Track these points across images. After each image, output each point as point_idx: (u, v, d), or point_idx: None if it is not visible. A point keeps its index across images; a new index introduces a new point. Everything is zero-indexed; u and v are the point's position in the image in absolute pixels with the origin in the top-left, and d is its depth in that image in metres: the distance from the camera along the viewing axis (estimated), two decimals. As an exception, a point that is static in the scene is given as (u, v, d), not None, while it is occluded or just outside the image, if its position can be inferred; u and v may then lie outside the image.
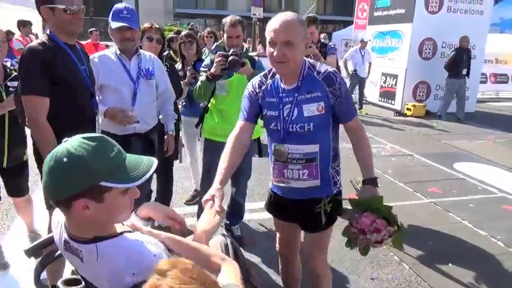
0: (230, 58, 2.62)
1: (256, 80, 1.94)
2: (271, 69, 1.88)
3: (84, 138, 1.08)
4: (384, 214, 1.68)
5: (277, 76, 1.87)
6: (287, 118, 1.81)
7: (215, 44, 3.17)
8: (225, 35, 2.88)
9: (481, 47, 9.53)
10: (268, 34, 1.73)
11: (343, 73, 9.00)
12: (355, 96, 9.34)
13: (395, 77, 9.66)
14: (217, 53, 2.72)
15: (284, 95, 1.83)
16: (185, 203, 4.07)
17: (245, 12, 25.36)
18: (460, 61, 8.45)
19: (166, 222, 1.41)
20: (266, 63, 2.07)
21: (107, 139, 1.13)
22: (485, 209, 4.19)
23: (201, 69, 2.96)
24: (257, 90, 1.90)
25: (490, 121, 8.81)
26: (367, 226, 1.63)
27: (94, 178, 1.05)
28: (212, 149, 2.90)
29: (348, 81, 9.33)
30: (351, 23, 15.77)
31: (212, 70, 2.69)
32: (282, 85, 1.85)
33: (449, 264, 3.13)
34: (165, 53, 3.60)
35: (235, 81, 2.84)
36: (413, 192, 4.56)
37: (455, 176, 5.18)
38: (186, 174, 4.75)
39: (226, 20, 2.87)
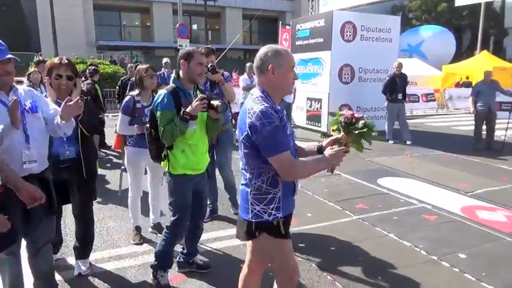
0: (218, 103, 2.71)
1: (266, 108, 1.88)
2: (267, 97, 1.96)
3: None
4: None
5: (267, 100, 1.96)
6: (290, 134, 2.07)
7: (172, 75, 3.01)
8: (193, 63, 2.81)
9: (392, 70, 10.45)
10: (290, 62, 1.99)
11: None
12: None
13: (319, 101, 10.18)
14: (200, 96, 2.76)
15: (281, 115, 1.97)
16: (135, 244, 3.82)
17: (172, 44, 25.49)
18: (394, 86, 8.86)
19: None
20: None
21: None
22: (407, 221, 4.45)
23: (159, 109, 2.78)
24: (279, 116, 1.94)
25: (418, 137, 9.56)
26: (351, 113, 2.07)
27: None
28: (186, 183, 2.92)
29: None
30: (276, 52, 16.44)
31: (190, 110, 2.67)
32: (276, 106, 1.99)
33: (379, 277, 3.24)
34: (86, 86, 3.45)
35: (199, 115, 2.84)
36: (342, 210, 4.72)
37: (380, 191, 5.48)
38: (110, 213, 4.49)
39: (194, 49, 2.89)
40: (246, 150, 1.97)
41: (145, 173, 3.91)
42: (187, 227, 3.10)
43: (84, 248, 3.19)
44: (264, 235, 2.04)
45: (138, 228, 3.86)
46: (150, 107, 3.04)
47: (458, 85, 19.28)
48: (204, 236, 3.92)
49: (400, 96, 8.88)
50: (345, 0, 10.82)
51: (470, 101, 8.61)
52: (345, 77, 9.92)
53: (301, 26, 10.78)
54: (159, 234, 3.91)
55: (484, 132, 8.54)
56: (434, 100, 16.98)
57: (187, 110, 2.67)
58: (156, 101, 2.82)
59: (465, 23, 42.00)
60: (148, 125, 2.96)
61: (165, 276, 3.01)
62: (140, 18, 32.79)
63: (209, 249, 3.71)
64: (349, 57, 9.81)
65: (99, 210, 4.52)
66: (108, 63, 17.71)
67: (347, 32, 9.76)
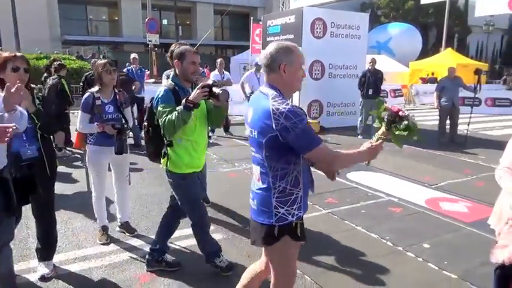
0: (220, 91, 2.63)
1: (293, 107, 1.85)
2: (280, 95, 1.91)
3: None
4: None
5: (284, 98, 1.93)
6: None
7: (171, 73, 2.97)
8: (186, 62, 2.83)
9: (361, 66, 10.63)
10: (300, 58, 1.97)
11: (242, 96, 9.28)
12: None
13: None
14: (202, 83, 2.69)
15: None
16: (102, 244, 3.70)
17: (141, 39, 24.96)
18: (366, 81, 8.93)
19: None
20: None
21: None
22: (375, 213, 4.57)
23: (160, 103, 2.74)
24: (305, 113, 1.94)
25: (375, 132, 9.78)
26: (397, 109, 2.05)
27: None
28: (195, 181, 2.92)
29: (246, 103, 9.61)
30: (248, 47, 16.46)
31: (192, 98, 2.61)
32: None
33: (347, 269, 3.31)
34: (52, 81, 3.33)
35: (199, 110, 2.80)
36: (312, 205, 4.78)
37: (349, 185, 5.59)
38: (76, 213, 4.37)
39: (186, 48, 2.85)
40: (268, 152, 1.91)
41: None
42: (170, 220, 3.16)
43: (46, 249, 3.08)
44: (286, 238, 2.00)
45: (104, 228, 3.77)
46: (148, 105, 3.01)
47: (424, 81, 19.91)
48: (175, 233, 3.89)
49: (371, 91, 8.94)
50: (314, -3, 10.92)
51: (434, 96, 8.92)
52: (315, 73, 10.03)
53: (272, 22, 10.80)
54: (127, 234, 3.84)
55: (448, 127, 8.87)
56: (402, 96, 17.50)
57: (189, 97, 2.63)
58: (156, 96, 2.79)
59: (431, 21, 43.36)
60: (145, 123, 2.93)
61: (222, 258, 3.14)
62: (108, 12, 31.88)
63: (178, 247, 3.67)
64: (320, 54, 9.92)
65: (64, 210, 4.39)
66: (74, 58, 17.14)
67: (317, 28, 9.86)
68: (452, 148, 8.13)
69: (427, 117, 13.07)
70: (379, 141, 2.06)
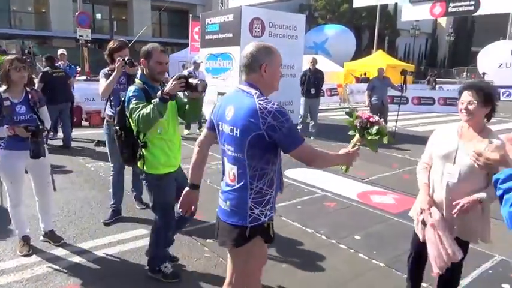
0: (198, 81, 2.59)
1: (279, 106, 1.88)
2: (258, 94, 1.91)
3: None
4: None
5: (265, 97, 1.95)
6: None
7: (138, 72, 2.90)
8: (152, 61, 2.77)
9: (299, 66, 10.88)
10: (279, 59, 1.99)
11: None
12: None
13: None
14: (177, 74, 2.65)
15: None
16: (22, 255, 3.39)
17: (71, 34, 23.49)
18: (306, 81, 9.08)
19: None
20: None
21: None
22: (310, 209, 4.71)
23: (132, 100, 2.67)
24: None
25: (313, 129, 10.09)
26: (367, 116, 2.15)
27: None
28: (171, 183, 2.90)
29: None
30: (187, 45, 16.18)
31: (168, 90, 2.56)
32: None
33: (283, 264, 3.37)
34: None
35: (170, 109, 2.73)
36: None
37: (286, 182, 5.67)
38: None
39: (153, 46, 2.79)
40: (250, 151, 1.87)
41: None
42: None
43: None
44: (257, 239, 1.97)
45: (25, 239, 3.45)
46: (118, 108, 2.90)
47: (358, 80, 20.95)
48: (105, 240, 3.72)
49: (313, 91, 9.06)
50: (253, -4, 11.00)
51: (366, 95, 9.42)
52: (254, 72, 10.09)
53: (210, 20, 10.70)
54: (52, 243, 3.57)
55: (378, 124, 9.39)
56: (337, 94, 18.26)
57: (166, 89, 2.57)
58: (126, 96, 2.73)
59: (364, 24, 45.77)
60: (117, 128, 2.83)
61: (167, 265, 3.05)
62: (33, 3, 29.59)
63: (111, 253, 3.50)
64: (258, 53, 9.99)
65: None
66: (-5, 53, 15.67)
67: (255, 28, 9.94)
68: (381, 144, 8.57)
69: (361, 115, 13.71)
70: (355, 147, 2.16)
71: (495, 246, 3.83)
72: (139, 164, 2.84)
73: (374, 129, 2.13)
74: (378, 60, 23.46)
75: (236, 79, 9.88)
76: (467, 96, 2.27)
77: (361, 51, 40.92)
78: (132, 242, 3.72)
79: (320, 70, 9.37)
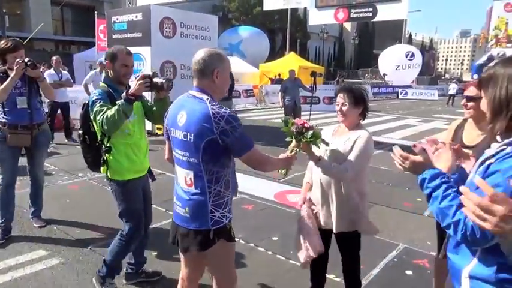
0: (160, 82, 2.55)
1: (231, 111, 1.95)
2: (210, 99, 1.95)
3: None
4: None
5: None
6: None
7: (102, 74, 2.74)
8: (117, 64, 2.68)
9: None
10: (229, 65, 2.07)
11: (87, 97, 8.44)
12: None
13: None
14: (141, 74, 2.57)
15: None
16: None
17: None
18: None
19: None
20: None
21: None
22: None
23: (97, 103, 2.55)
24: None
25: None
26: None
27: None
28: (137, 188, 2.82)
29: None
30: (94, 44, 15.11)
31: (133, 90, 2.49)
32: None
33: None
34: None
35: (136, 112, 2.69)
36: (165, 212, 4.60)
37: (203, 186, 5.57)
38: None
39: (118, 48, 2.71)
40: (205, 156, 1.91)
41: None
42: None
43: None
44: (221, 242, 2.01)
45: None
46: (81, 111, 2.75)
47: (272, 81, 21.54)
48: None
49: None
50: (163, -5, 10.64)
51: (279, 96, 9.70)
52: (167, 74, 9.75)
53: (117, 19, 10.08)
54: None
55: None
56: (253, 95, 18.56)
57: (131, 90, 2.50)
58: (90, 99, 2.62)
59: (277, 26, 47.36)
60: (80, 132, 2.76)
61: (113, 283, 2.91)
62: None
63: (1, 282, 3.04)
64: (170, 54, 9.70)
65: None
66: None
67: (166, 28, 9.61)
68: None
69: (275, 115, 14.14)
70: (293, 152, 2.29)
71: (398, 235, 4.16)
72: (102, 169, 2.76)
73: (309, 134, 2.25)
74: (290, 62, 24.38)
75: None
76: (340, 98, 2.44)
77: (275, 53, 42.30)
78: (28, 266, 3.29)
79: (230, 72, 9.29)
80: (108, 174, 2.74)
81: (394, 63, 34.23)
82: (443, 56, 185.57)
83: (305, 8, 44.66)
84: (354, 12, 7.56)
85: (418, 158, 1.45)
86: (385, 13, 7.25)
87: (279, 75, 22.22)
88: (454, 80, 33.45)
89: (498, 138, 1.30)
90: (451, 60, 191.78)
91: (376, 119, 14.60)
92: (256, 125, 12.32)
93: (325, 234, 2.52)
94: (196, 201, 1.96)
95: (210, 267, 2.17)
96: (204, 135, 1.87)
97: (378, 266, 3.49)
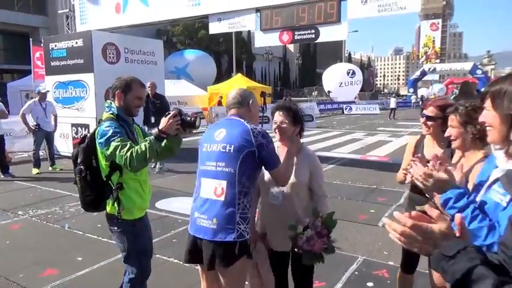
0: (193, 118, 2.47)
1: (264, 130, 2.19)
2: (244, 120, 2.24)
3: None
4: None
5: None
6: None
7: (112, 106, 2.55)
8: (131, 95, 2.54)
9: (161, 91, 10.66)
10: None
11: (25, 129, 7.91)
12: (44, 152, 8.43)
13: (86, 126, 9.35)
14: (173, 112, 2.45)
15: None
16: None
17: None
18: (147, 109, 7.99)
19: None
20: None
21: None
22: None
23: (116, 137, 2.37)
24: None
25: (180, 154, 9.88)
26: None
27: None
28: (145, 227, 2.73)
29: (31, 138, 8.28)
30: (31, 72, 14.30)
31: (165, 128, 2.39)
32: None
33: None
34: None
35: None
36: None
37: (158, 215, 5.35)
38: None
39: (133, 79, 2.59)
40: (242, 167, 2.07)
41: None
42: None
43: None
44: (243, 258, 2.07)
45: None
46: (83, 145, 2.51)
47: (220, 103, 21.59)
48: None
49: (152, 119, 7.69)
50: (104, 21, 10.37)
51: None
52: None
53: (55, 45, 9.68)
54: None
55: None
56: (203, 118, 18.44)
57: (161, 127, 2.40)
58: (101, 132, 2.39)
59: (222, 49, 47.97)
60: (82, 167, 2.47)
61: None
62: None
63: None
64: (115, 80, 9.41)
65: None
66: None
67: (110, 53, 9.37)
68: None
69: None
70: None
71: (357, 247, 4.24)
72: (109, 209, 2.53)
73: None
74: (239, 83, 24.62)
75: (93, 109, 9.10)
76: (278, 116, 2.42)
77: (222, 74, 42.69)
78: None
79: (161, 95, 8.27)
80: (121, 213, 2.50)
81: (337, 80, 35.89)
82: (380, 73, 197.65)
83: (249, 31, 45.88)
84: (298, 34, 7.84)
85: (443, 176, 1.39)
86: (327, 34, 7.59)
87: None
88: (393, 95, 35.64)
89: (498, 153, 1.26)
90: (388, 76, 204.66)
91: (326, 134, 15.07)
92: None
93: (280, 256, 2.47)
94: (226, 211, 2.06)
95: (226, 282, 2.14)
96: (244, 148, 2.08)
97: (340, 281, 3.50)
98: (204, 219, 2.10)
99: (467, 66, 48.53)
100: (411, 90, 48.43)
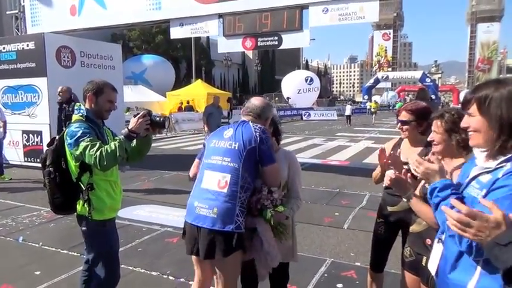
0: (162, 119, 2.56)
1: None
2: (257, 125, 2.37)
3: None
4: None
5: None
6: None
7: (81, 108, 2.58)
8: (102, 98, 2.58)
9: (120, 97, 10.35)
10: None
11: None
12: (-8, 161, 7.88)
13: (39, 133, 8.87)
14: (142, 112, 2.50)
15: None
16: None
17: None
18: (58, 117, 7.28)
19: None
20: None
21: None
22: (152, 249, 4.34)
23: (86, 138, 2.39)
24: None
25: (142, 162, 9.62)
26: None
27: None
28: (114, 228, 2.71)
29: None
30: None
31: (134, 128, 2.43)
32: None
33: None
34: None
35: None
36: (79, 256, 4.11)
37: (121, 224, 5.11)
38: None
39: (105, 83, 2.62)
40: (246, 163, 2.21)
41: None
42: None
43: None
44: (239, 250, 2.19)
45: None
46: (52, 147, 2.51)
47: (180, 109, 21.29)
48: None
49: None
50: (58, 23, 9.89)
51: (204, 121, 9.98)
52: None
53: (3, 48, 9.11)
54: None
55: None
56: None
57: (131, 127, 2.43)
58: (70, 133, 2.41)
59: (180, 55, 47.39)
60: (51, 169, 2.46)
61: None
62: None
63: None
64: (71, 85, 8.93)
65: None
66: None
67: (64, 57, 8.97)
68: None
69: (189, 143, 13.94)
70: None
71: (324, 250, 4.31)
72: (80, 209, 2.52)
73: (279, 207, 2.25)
74: (198, 89, 24.46)
75: (46, 114, 8.64)
76: None
77: (181, 80, 42.12)
78: None
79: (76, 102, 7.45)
80: (91, 214, 2.49)
81: (296, 87, 36.58)
82: (336, 80, 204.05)
83: (208, 37, 45.68)
84: (261, 41, 7.90)
85: (434, 166, 1.48)
86: (289, 41, 7.71)
87: (188, 102, 22.09)
88: (349, 102, 36.86)
89: (479, 154, 1.34)
90: (343, 83, 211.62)
91: (286, 140, 15.26)
92: (170, 153, 11.98)
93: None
94: (226, 203, 2.15)
95: (222, 272, 2.25)
96: (248, 144, 2.22)
97: (311, 283, 3.54)
98: (204, 208, 2.19)
99: (417, 74, 51.44)
100: (366, 97, 50.45)
